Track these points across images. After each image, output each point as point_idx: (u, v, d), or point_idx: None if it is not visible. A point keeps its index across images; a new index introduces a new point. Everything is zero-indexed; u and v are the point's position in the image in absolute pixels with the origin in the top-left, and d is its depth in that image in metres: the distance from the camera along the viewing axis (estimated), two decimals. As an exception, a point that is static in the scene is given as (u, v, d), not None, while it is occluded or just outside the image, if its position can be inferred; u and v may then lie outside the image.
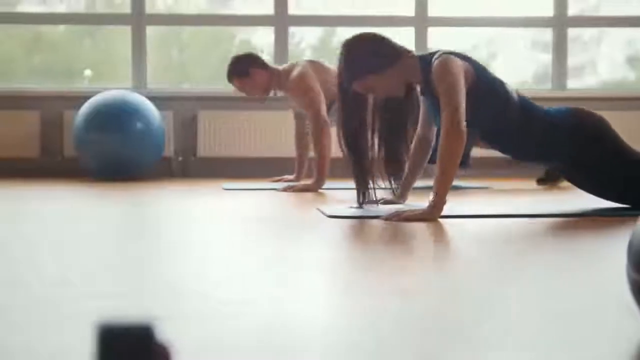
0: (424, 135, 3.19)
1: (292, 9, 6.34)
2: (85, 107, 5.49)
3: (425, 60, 2.99)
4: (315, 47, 7.01)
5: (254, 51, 4.89)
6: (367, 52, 2.99)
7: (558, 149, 3.04)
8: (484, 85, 2.97)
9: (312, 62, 4.72)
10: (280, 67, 4.80)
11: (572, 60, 6.64)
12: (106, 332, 0.67)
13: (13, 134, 5.98)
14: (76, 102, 5.77)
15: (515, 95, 3.05)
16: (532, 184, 4.86)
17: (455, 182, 5.02)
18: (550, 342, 1.12)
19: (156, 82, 6.39)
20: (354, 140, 3.08)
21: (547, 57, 6.64)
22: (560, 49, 6.43)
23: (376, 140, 3.12)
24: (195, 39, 6.94)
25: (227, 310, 1.35)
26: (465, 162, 4.72)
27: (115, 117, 5.39)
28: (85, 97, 5.64)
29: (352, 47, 3.02)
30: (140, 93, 5.82)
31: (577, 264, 1.89)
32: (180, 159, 6.17)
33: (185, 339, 1.14)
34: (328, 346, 1.12)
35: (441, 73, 2.87)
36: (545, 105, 3.19)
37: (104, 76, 6.54)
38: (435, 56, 2.95)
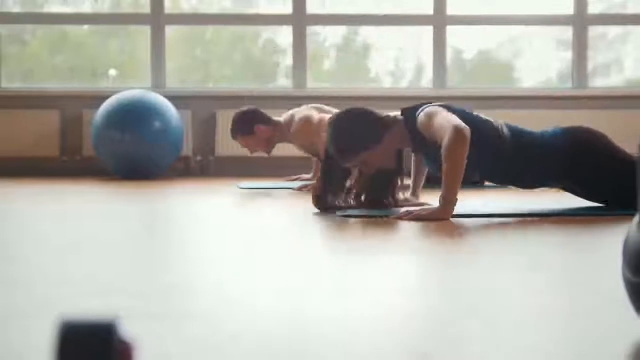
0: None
1: (313, 8, 6.34)
2: (104, 107, 5.52)
3: (410, 118, 3.00)
4: (339, 46, 7.02)
5: (255, 108, 4.81)
6: (357, 132, 2.99)
7: (556, 169, 3.01)
8: (472, 127, 2.95)
9: (311, 109, 4.72)
10: (282, 119, 4.79)
11: (598, 59, 6.59)
12: (68, 329, 0.68)
13: (33, 134, 6.03)
14: (96, 102, 5.81)
15: (505, 129, 3.02)
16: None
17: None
18: (552, 341, 1.11)
19: (180, 81, 6.44)
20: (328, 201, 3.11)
21: (569, 56, 6.60)
22: (580, 47, 6.38)
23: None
24: (219, 39, 6.96)
25: (226, 310, 1.35)
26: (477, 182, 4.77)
27: (133, 117, 5.43)
28: (105, 97, 5.68)
29: (341, 128, 3.01)
30: (160, 93, 5.84)
31: (583, 263, 1.87)
32: (198, 158, 6.19)
33: (181, 338, 1.15)
34: (330, 345, 1.12)
35: (427, 120, 2.90)
36: (565, 107, 3.19)
37: (129, 76, 6.58)
38: (419, 111, 2.96)
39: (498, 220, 2.79)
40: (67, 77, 6.61)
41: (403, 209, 2.91)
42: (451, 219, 2.76)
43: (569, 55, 6.54)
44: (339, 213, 2.93)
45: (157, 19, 6.26)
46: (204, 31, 6.85)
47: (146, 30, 6.33)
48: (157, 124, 5.46)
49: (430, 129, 2.87)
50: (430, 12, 6.32)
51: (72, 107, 6.13)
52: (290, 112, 4.81)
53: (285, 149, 6.11)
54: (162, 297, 1.47)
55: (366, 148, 2.97)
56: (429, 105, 2.99)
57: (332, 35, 6.92)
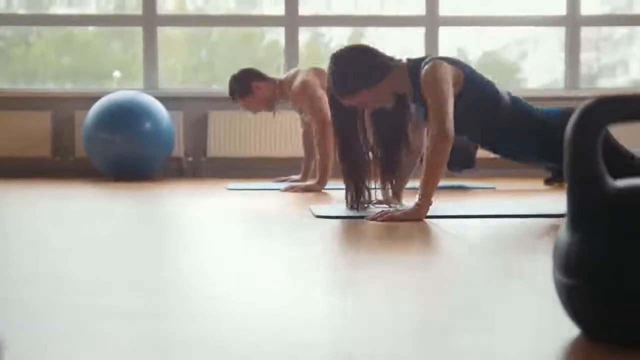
0: (413, 139, 3.19)
1: (307, 9, 6.35)
2: (95, 108, 5.53)
3: (414, 67, 2.99)
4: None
5: (252, 67, 4.81)
6: (357, 68, 2.97)
7: (552, 148, 3.02)
8: (474, 89, 2.96)
9: (313, 69, 4.68)
10: (282, 77, 4.77)
11: (603, 60, 6.58)
12: None
13: (25, 134, 6.05)
14: (88, 103, 5.83)
15: (506, 96, 3.04)
16: (540, 184, 4.83)
17: (462, 182, 5.04)
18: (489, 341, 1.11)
19: (184, 82, 6.46)
20: (348, 148, 3.09)
21: (583, 57, 6.59)
22: (573, 48, 6.37)
23: (372, 146, 3.13)
24: (224, 40, 6.97)
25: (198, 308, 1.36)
26: (470, 163, 4.71)
27: (123, 118, 5.43)
28: (97, 98, 5.69)
29: (342, 62, 2.99)
30: (151, 94, 5.85)
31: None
32: (190, 159, 6.20)
33: (171, 337, 1.16)
34: (314, 345, 1.12)
35: (430, 80, 2.86)
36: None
37: (133, 77, 6.60)
38: (424, 62, 2.95)
39: (473, 222, 2.79)
40: (70, 78, 6.64)
41: (378, 210, 2.91)
42: (425, 220, 2.76)
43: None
44: (320, 213, 2.93)
45: (149, 20, 6.27)
46: (209, 32, 6.86)
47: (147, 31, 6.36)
48: (148, 125, 5.47)
49: (430, 91, 2.85)
50: (423, 12, 6.32)
51: (64, 108, 6.14)
52: (290, 71, 4.78)
53: (277, 150, 6.13)
54: (125, 293, 1.47)
55: (366, 85, 2.95)
56: (434, 57, 2.96)
57: (337, 36, 6.92)
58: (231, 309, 1.37)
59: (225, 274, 1.74)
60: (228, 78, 4.83)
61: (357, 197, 3.10)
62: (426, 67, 2.91)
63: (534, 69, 7.04)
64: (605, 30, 6.66)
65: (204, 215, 3.11)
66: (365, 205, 3.09)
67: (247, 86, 4.66)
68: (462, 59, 3.12)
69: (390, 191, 3.21)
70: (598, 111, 1.09)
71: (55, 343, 1.14)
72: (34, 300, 1.44)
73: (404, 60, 3.04)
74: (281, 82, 4.70)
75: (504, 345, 1.12)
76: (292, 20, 6.30)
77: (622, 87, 6.65)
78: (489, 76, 3.09)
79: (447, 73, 2.88)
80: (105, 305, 1.40)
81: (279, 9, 6.33)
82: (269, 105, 4.74)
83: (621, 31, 6.91)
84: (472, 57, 6.78)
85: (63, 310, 1.36)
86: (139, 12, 6.28)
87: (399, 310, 1.36)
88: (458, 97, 2.91)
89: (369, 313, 1.33)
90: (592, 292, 1.08)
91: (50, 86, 6.47)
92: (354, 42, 7.16)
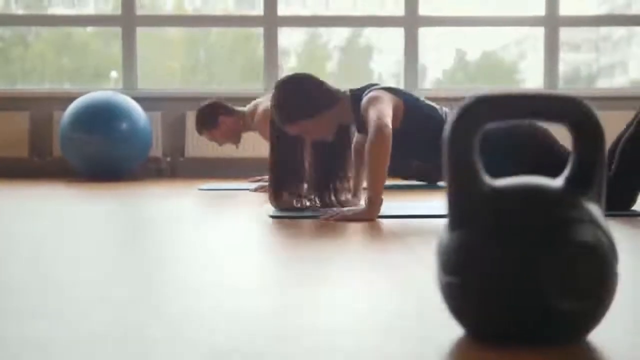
0: (362, 141, 3.21)
1: (285, 10, 6.36)
2: (71, 108, 5.54)
3: (357, 98, 3.01)
4: (342, 48, 7.04)
5: (216, 100, 4.79)
6: (300, 96, 2.97)
7: (497, 163, 2.99)
8: (417, 115, 2.97)
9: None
10: (246, 109, 4.79)
11: (602, 60, 6.60)
12: None
13: (2, 134, 6.05)
14: (66, 103, 5.84)
15: (448, 117, 3.04)
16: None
17: (440, 183, 5.03)
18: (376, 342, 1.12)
19: (183, 82, 6.48)
20: (288, 173, 3.09)
21: (577, 57, 6.61)
22: (552, 48, 6.38)
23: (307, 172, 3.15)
24: (222, 41, 6.97)
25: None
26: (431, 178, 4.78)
27: (100, 118, 5.44)
28: (75, 98, 5.69)
29: (285, 91, 2.99)
30: (129, 94, 5.86)
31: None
32: (168, 159, 6.20)
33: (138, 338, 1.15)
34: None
35: (368, 105, 2.89)
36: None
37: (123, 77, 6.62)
38: (365, 92, 2.97)
39: (425, 221, 2.79)
40: (67, 78, 6.66)
41: (331, 210, 2.92)
42: (377, 219, 2.76)
43: (571, 56, 6.54)
44: (275, 213, 2.93)
45: (128, 21, 6.28)
46: (207, 33, 6.88)
47: (150, 31, 6.36)
48: (124, 125, 5.47)
49: (365, 115, 2.88)
50: (402, 13, 6.32)
51: (42, 108, 6.15)
52: (254, 102, 4.80)
53: (253, 151, 6.13)
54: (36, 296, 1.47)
55: (308, 115, 2.96)
56: (374, 88, 2.99)
57: (336, 36, 6.94)
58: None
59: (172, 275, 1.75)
60: (225, 79, 4.83)
61: (301, 202, 3.11)
62: (364, 98, 2.94)
63: (531, 68, 7.05)
64: (604, 30, 6.67)
65: (163, 215, 3.11)
66: (318, 205, 3.10)
67: (213, 120, 4.68)
68: (461, 60, 3.12)
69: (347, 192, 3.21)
70: (476, 110, 1.09)
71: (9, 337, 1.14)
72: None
73: (347, 92, 3.06)
74: (244, 114, 4.73)
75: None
76: (271, 20, 6.30)
77: (620, 88, 6.66)
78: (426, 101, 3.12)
79: (386, 100, 2.91)
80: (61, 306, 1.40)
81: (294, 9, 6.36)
82: (234, 137, 4.77)
83: (620, 32, 6.93)
84: (470, 57, 6.79)
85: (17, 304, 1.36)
86: (118, 12, 6.29)
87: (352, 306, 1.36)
88: (402, 124, 2.97)
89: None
90: (467, 289, 1.09)
91: (28, 86, 6.47)
92: (352, 43, 7.22)
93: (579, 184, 1.11)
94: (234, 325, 1.24)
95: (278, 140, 3.06)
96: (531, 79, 6.91)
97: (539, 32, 6.44)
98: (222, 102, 4.74)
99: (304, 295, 1.49)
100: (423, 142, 3.01)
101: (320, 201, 3.13)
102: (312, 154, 3.10)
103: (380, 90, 2.96)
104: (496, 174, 2.93)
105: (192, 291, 1.53)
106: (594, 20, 6.58)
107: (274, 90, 3.02)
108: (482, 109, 1.09)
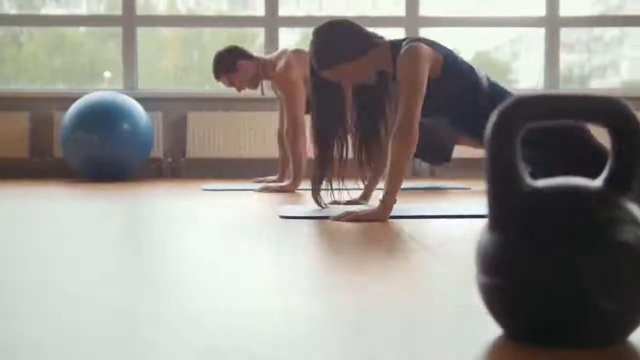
0: (390, 120, 3.18)
1: (286, 10, 6.36)
2: (72, 109, 5.52)
3: (396, 46, 2.98)
4: None
5: (236, 44, 4.77)
6: (338, 40, 2.96)
7: (534, 159, 2.98)
8: (453, 72, 2.94)
9: (297, 53, 4.65)
10: (267, 57, 4.75)
11: (594, 61, 6.61)
12: None
13: (2, 135, 6.03)
14: (66, 103, 5.81)
15: (485, 81, 3.04)
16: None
17: (437, 183, 5.04)
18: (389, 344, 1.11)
19: (176, 83, 6.47)
20: (324, 134, 3.07)
21: (573, 58, 6.62)
22: (552, 49, 6.38)
23: (349, 137, 3.13)
24: (216, 41, 6.96)
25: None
26: (446, 157, 4.72)
27: (101, 118, 5.42)
28: (75, 98, 5.67)
29: (324, 35, 2.98)
30: (131, 94, 5.85)
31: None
32: (169, 160, 6.19)
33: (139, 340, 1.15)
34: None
35: (405, 63, 2.84)
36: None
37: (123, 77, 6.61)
38: (404, 43, 2.95)
39: (437, 222, 2.79)
40: (61, 78, 6.64)
41: (344, 210, 2.91)
42: (389, 220, 2.76)
43: (563, 57, 6.55)
44: (285, 214, 2.92)
45: (129, 21, 6.26)
46: (201, 33, 6.86)
47: (147, 31, 6.35)
48: (125, 126, 5.45)
49: (403, 75, 2.82)
50: (403, 13, 6.33)
51: (42, 108, 6.13)
52: (279, 50, 4.76)
53: (255, 151, 6.12)
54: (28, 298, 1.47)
55: (346, 59, 2.94)
56: (415, 40, 2.94)
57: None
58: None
59: (181, 275, 1.74)
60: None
61: (319, 182, 3.08)
62: (404, 48, 2.89)
63: (526, 69, 7.06)
64: (597, 30, 6.68)
65: (170, 215, 3.10)
66: (323, 205, 3.09)
67: (231, 64, 4.64)
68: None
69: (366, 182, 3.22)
70: (517, 111, 1.09)
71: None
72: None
73: (387, 39, 3.04)
74: (265, 61, 4.69)
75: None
76: (272, 21, 6.29)
77: (613, 88, 6.67)
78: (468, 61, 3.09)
79: (424, 56, 2.86)
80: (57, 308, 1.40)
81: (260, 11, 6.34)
82: (253, 83, 4.72)
83: (612, 32, 6.94)
84: (464, 57, 6.82)
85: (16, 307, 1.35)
86: (114, 12, 6.28)
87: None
88: (436, 82, 2.91)
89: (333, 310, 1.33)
90: (506, 290, 1.08)
91: (28, 86, 6.45)
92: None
93: (619, 185, 1.11)
94: (233, 326, 1.23)
95: (317, 89, 3.03)
96: (525, 80, 6.93)
97: (536, 32, 6.46)
98: (239, 47, 4.70)
99: (305, 296, 1.48)
100: (457, 100, 2.97)
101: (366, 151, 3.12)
102: (354, 107, 3.07)
103: (419, 43, 2.90)
104: (533, 170, 2.90)
105: (192, 291, 1.52)
106: (594, 20, 6.60)
107: (312, 38, 3.00)
108: (522, 110, 1.09)
